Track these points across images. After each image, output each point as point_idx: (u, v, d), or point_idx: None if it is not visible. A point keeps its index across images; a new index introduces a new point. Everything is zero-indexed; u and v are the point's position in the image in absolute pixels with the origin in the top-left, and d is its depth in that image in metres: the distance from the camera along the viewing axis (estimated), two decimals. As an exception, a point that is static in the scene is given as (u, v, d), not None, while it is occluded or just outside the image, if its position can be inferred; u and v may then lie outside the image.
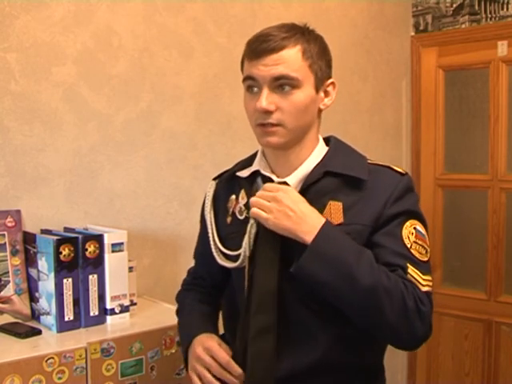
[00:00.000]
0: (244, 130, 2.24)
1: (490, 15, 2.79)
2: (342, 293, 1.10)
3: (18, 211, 1.69)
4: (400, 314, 1.09)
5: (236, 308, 1.31)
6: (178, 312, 1.46)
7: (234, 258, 1.25)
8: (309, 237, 1.11)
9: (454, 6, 2.90)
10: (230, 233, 1.28)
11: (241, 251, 1.23)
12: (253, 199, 1.17)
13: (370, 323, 1.14)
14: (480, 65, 2.84)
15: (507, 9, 2.73)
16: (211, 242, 1.30)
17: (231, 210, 1.30)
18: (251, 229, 1.21)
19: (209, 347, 1.24)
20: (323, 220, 1.13)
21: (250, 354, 1.20)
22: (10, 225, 1.66)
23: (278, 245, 1.18)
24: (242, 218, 1.26)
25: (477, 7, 2.82)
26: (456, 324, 2.91)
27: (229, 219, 1.30)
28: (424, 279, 1.15)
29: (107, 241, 1.60)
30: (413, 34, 3.03)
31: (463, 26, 2.87)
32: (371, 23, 2.81)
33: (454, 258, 2.97)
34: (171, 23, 2.05)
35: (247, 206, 1.24)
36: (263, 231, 1.19)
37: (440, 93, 2.98)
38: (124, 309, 1.64)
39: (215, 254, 1.29)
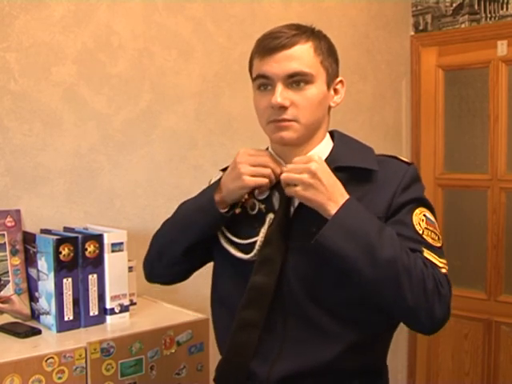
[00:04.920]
0: (244, 130, 2.24)
1: (489, 15, 2.79)
2: (361, 266, 1.09)
3: (18, 211, 1.69)
4: (419, 294, 1.08)
5: (229, 302, 1.27)
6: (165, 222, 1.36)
7: (243, 247, 1.23)
8: (333, 209, 1.11)
9: (454, 5, 2.90)
10: (238, 221, 1.25)
11: (253, 240, 1.21)
12: (284, 176, 1.15)
13: (387, 301, 1.12)
14: (480, 64, 2.84)
15: (507, 8, 2.73)
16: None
17: (240, 203, 1.26)
18: (269, 224, 1.20)
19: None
20: (347, 195, 1.13)
21: (229, 345, 1.20)
22: (9, 224, 1.66)
23: (283, 247, 1.18)
24: (253, 212, 1.24)
25: (476, 7, 2.82)
26: (456, 324, 2.91)
27: (237, 210, 1.26)
28: (441, 261, 1.16)
29: (107, 240, 1.60)
30: (412, 33, 3.03)
31: (463, 25, 2.87)
32: (371, 23, 2.81)
33: (453, 257, 2.97)
34: (171, 23, 2.05)
35: (264, 201, 1.23)
36: (275, 229, 1.19)
37: (440, 92, 2.98)
38: (124, 308, 1.64)
39: (220, 235, 1.26)
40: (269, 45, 1.17)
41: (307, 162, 1.13)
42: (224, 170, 1.36)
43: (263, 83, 1.19)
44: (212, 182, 1.33)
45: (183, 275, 1.39)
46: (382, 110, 2.90)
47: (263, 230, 1.20)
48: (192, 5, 2.10)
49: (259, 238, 1.20)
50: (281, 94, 1.15)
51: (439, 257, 1.16)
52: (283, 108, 1.15)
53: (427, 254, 1.15)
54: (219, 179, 1.25)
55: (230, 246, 1.25)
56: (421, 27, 3.01)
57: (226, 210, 1.23)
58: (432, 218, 1.22)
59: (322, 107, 1.21)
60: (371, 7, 2.80)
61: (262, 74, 1.18)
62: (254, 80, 1.22)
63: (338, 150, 1.24)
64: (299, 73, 1.15)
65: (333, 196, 1.12)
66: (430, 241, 1.17)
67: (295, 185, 1.14)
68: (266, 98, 1.17)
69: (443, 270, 1.15)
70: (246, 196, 1.26)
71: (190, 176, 2.13)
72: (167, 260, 1.32)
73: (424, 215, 1.20)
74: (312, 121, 1.19)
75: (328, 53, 1.21)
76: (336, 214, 1.11)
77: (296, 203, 1.20)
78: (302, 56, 1.16)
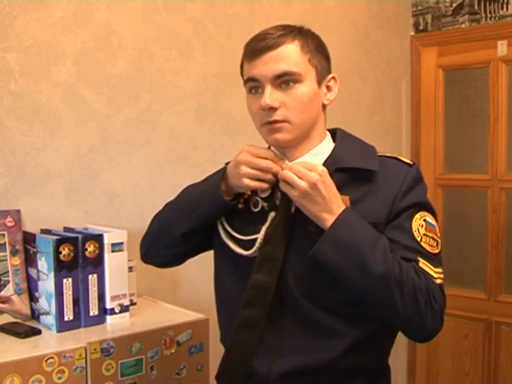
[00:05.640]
0: (244, 130, 2.24)
1: (489, 15, 2.79)
2: (354, 280, 1.11)
3: (18, 211, 1.69)
4: (411, 308, 1.09)
5: (230, 298, 1.28)
6: (168, 204, 1.37)
7: (243, 243, 1.23)
8: (329, 223, 1.12)
9: (454, 5, 2.90)
10: (240, 217, 1.26)
11: (254, 236, 1.21)
12: (284, 173, 1.14)
13: (382, 312, 1.15)
14: (480, 64, 2.84)
15: (507, 8, 2.73)
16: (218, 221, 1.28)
17: (243, 199, 1.27)
18: (270, 222, 1.20)
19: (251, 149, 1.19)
20: (343, 207, 1.13)
21: (230, 343, 1.21)
22: (9, 224, 1.66)
23: (284, 245, 1.18)
24: (256, 210, 1.24)
25: (476, 7, 2.82)
26: (456, 324, 2.91)
27: (240, 205, 1.27)
28: (436, 272, 1.16)
29: (107, 240, 1.60)
30: (413, 33, 3.03)
31: (463, 25, 2.87)
32: (371, 23, 2.81)
33: (453, 257, 2.97)
34: (171, 23, 2.05)
35: (267, 199, 1.23)
36: (275, 227, 1.19)
37: (440, 92, 2.98)
38: (124, 308, 1.64)
39: (221, 230, 1.27)
40: (255, 47, 1.17)
41: (310, 170, 1.13)
42: (229, 163, 1.36)
43: (253, 86, 1.19)
44: None
45: (178, 259, 1.40)
46: (381, 110, 2.90)
47: (264, 228, 1.20)
48: (192, 5, 2.10)
49: (260, 236, 1.20)
50: (270, 96, 1.15)
51: (435, 266, 1.16)
52: (273, 109, 1.15)
53: (422, 264, 1.15)
54: (225, 167, 1.25)
55: (231, 242, 1.25)
56: (421, 27, 3.01)
57: (230, 198, 1.23)
58: (433, 221, 1.21)
59: (313, 105, 1.20)
60: (371, 7, 2.80)
61: (251, 77, 1.18)
62: (244, 83, 1.22)
63: (339, 151, 1.23)
64: (287, 72, 1.15)
65: (329, 208, 1.12)
66: (427, 248, 1.17)
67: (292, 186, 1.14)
68: (257, 100, 1.17)
69: (438, 281, 1.15)
70: (249, 192, 1.26)
71: (190, 176, 2.12)
72: (165, 241, 1.33)
73: (424, 220, 1.19)
74: (304, 120, 1.18)
75: (316, 50, 1.20)
76: (330, 228, 1.11)
77: None
78: (288, 55, 1.16)
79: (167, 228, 1.31)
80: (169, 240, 1.32)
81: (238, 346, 1.21)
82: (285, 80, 1.16)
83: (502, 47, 2.76)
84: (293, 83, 1.16)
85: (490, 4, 2.78)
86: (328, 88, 1.24)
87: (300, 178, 1.12)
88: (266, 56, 1.16)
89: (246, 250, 1.22)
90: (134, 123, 1.98)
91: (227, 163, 1.33)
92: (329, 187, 1.13)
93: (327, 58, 1.24)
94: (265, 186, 1.19)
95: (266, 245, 1.19)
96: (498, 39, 2.76)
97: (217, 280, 1.34)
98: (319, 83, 1.21)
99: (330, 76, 1.24)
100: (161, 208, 1.38)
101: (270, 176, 1.17)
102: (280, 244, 1.18)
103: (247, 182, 1.17)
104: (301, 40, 1.18)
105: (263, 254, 1.19)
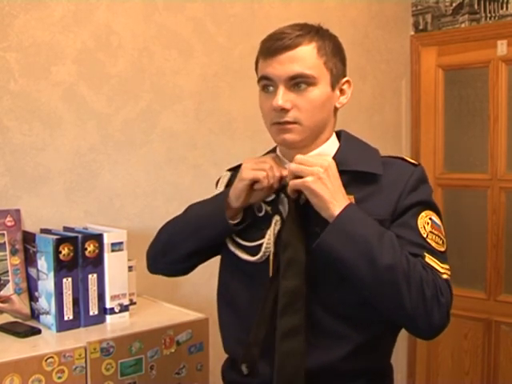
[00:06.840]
0: (244, 130, 2.24)
1: (489, 14, 2.79)
2: (360, 271, 1.09)
3: (18, 210, 1.70)
4: (418, 301, 1.08)
5: (236, 303, 1.28)
6: (171, 220, 1.37)
7: (249, 250, 1.22)
8: (335, 211, 1.11)
9: (454, 5, 2.90)
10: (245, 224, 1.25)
11: (260, 242, 1.20)
12: (294, 167, 1.14)
13: (386, 307, 1.13)
14: (479, 64, 2.84)
15: (507, 8, 2.73)
16: None
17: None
18: (275, 226, 1.19)
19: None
20: (348, 200, 1.13)
21: (279, 353, 1.17)
22: (9, 224, 1.66)
23: (303, 246, 1.16)
24: (260, 214, 1.24)
25: (476, 6, 2.82)
26: (456, 323, 2.88)
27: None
28: (442, 267, 1.15)
29: (107, 240, 1.60)
30: (412, 33, 3.03)
31: (463, 25, 2.87)
32: (371, 23, 2.81)
33: (454, 257, 2.96)
34: (171, 23, 2.05)
35: (270, 203, 1.22)
36: (289, 230, 1.18)
37: (439, 92, 2.98)
38: (123, 308, 1.64)
39: (228, 239, 1.26)
40: (272, 46, 1.16)
41: (321, 159, 1.14)
42: (230, 169, 1.36)
43: (266, 84, 1.19)
44: (220, 182, 1.33)
45: (184, 271, 1.40)
46: (381, 110, 2.90)
47: (269, 232, 1.19)
48: (192, 5, 2.10)
49: (265, 241, 1.19)
50: (282, 97, 1.15)
51: (441, 262, 1.16)
52: (285, 110, 1.15)
53: (429, 259, 1.14)
54: (228, 189, 1.23)
55: (237, 249, 1.24)
56: (421, 27, 3.01)
57: (236, 221, 1.23)
58: (438, 221, 1.21)
59: (325, 109, 1.20)
60: (371, 7, 2.80)
61: (265, 76, 1.18)
62: (258, 81, 1.22)
63: (342, 152, 1.23)
64: (301, 75, 1.15)
65: (337, 196, 1.12)
66: (433, 245, 1.16)
67: (302, 177, 1.13)
68: (270, 100, 1.17)
69: (444, 276, 1.14)
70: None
71: (190, 176, 2.13)
72: (171, 258, 1.33)
73: (430, 218, 1.19)
74: (315, 123, 1.18)
75: (333, 53, 1.20)
76: (337, 218, 1.10)
77: (301, 203, 1.19)
78: (304, 57, 1.15)
79: (173, 246, 1.31)
80: (176, 257, 1.32)
81: (286, 356, 1.16)
82: (298, 82, 1.15)
83: (501, 47, 2.76)
84: (306, 85, 1.15)
85: (490, 4, 2.78)
86: (341, 91, 1.24)
87: (310, 166, 1.13)
88: (282, 56, 1.15)
89: (253, 255, 1.21)
90: (133, 123, 1.98)
91: (229, 169, 1.33)
92: (336, 177, 1.13)
93: (343, 61, 1.24)
94: (263, 174, 1.17)
95: (286, 249, 1.17)
96: (498, 39, 2.76)
97: (223, 285, 1.33)
98: (333, 86, 1.20)
99: (345, 79, 1.24)
100: (165, 216, 1.37)
101: (268, 165, 1.17)
102: (299, 245, 1.17)
103: (247, 171, 1.17)
104: (318, 42, 1.18)
105: (285, 259, 1.17)
